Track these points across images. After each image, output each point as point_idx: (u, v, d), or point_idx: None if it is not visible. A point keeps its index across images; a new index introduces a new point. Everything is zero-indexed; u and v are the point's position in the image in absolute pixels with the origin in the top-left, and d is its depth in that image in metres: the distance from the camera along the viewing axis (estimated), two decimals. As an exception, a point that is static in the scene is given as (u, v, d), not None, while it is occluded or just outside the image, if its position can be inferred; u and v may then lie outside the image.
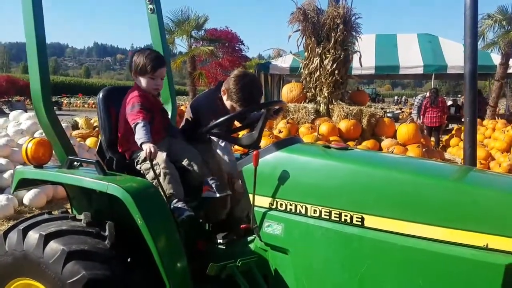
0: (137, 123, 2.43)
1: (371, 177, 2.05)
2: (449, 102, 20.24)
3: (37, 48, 2.44)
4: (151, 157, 2.32)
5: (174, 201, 2.40)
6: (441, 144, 11.97)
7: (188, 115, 2.95)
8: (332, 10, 8.31)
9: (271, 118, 2.70)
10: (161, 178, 2.42)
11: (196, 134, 2.65)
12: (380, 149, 7.71)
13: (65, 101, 37.21)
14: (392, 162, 2.37)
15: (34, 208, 5.64)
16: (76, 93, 39.79)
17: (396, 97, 61.02)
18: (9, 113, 8.10)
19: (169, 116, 3.19)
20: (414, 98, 22.52)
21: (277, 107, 2.67)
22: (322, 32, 8.45)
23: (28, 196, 5.73)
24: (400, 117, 23.48)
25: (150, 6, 3.21)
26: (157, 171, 2.42)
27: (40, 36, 2.45)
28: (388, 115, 22.38)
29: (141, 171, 2.56)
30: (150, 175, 2.47)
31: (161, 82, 2.69)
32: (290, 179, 2.15)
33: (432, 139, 11.44)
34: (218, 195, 2.52)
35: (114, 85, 3.17)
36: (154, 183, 2.41)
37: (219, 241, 2.56)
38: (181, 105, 21.47)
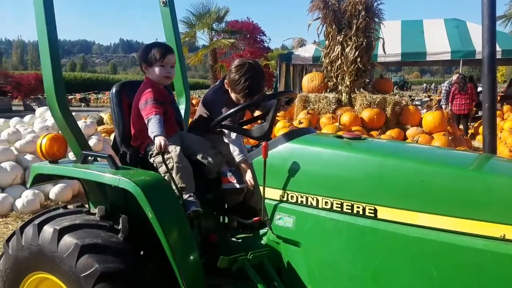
0: (151, 118, 2.45)
1: (384, 167, 1.99)
2: (479, 89, 19.64)
3: (49, 46, 2.46)
4: (161, 150, 2.32)
5: (185, 195, 2.40)
6: (470, 132, 11.62)
7: (200, 108, 2.94)
8: (353, -3, 8.14)
9: (282, 109, 2.66)
10: (173, 172, 2.42)
11: (207, 127, 2.63)
12: (405, 138, 7.54)
13: (92, 97, 38.04)
14: (404, 152, 2.29)
15: (60, 203, 5.77)
16: (103, 89, 40.56)
17: (425, 85, 59.64)
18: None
19: (183, 109, 3.20)
20: (441, 85, 21.96)
21: (287, 97, 2.62)
22: (343, 19, 8.28)
23: (54, 190, 5.88)
24: (429, 104, 22.92)
25: (163, -1, 3.20)
26: (170, 165, 2.42)
27: (51, 33, 2.47)
28: (416, 103, 21.90)
29: (154, 165, 2.57)
30: (162, 169, 2.48)
31: (172, 70, 2.67)
32: (301, 170, 2.11)
33: (461, 127, 11.12)
34: (239, 186, 2.52)
35: (128, 80, 3.18)
36: (166, 177, 2.42)
37: (235, 223, 2.57)
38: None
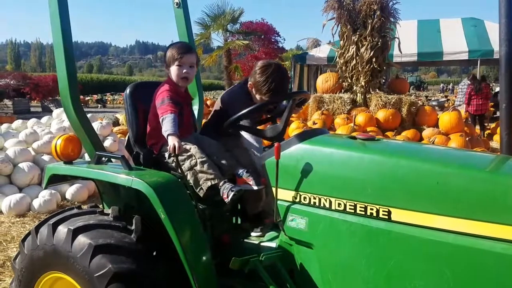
0: (165, 116, 2.42)
1: (398, 168, 1.95)
2: (497, 89, 19.29)
3: (64, 47, 2.49)
4: (175, 152, 2.31)
5: (221, 183, 2.40)
6: (487, 133, 11.43)
7: (215, 109, 2.94)
8: (369, -4, 8.06)
9: (294, 111, 2.63)
10: (198, 167, 2.41)
11: (221, 127, 2.62)
12: (421, 139, 7.44)
13: (109, 98, 38.50)
14: (420, 153, 2.25)
15: (76, 203, 5.85)
16: (120, 90, 41.03)
17: (442, 85, 58.80)
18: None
19: (197, 110, 3.20)
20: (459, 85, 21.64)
21: (300, 98, 2.60)
22: (358, 19, 8.21)
23: (70, 191, 5.95)
24: (446, 105, 22.62)
25: (176, 0, 3.21)
26: (193, 161, 2.42)
27: (66, 35, 2.50)
28: (433, 103, 21.61)
29: (174, 164, 2.49)
30: (186, 165, 2.45)
31: (191, 70, 2.62)
32: (314, 171, 2.09)
33: (477, 127, 10.95)
34: (256, 187, 2.50)
35: (142, 81, 3.21)
36: (189, 175, 2.42)
37: (254, 235, 2.54)
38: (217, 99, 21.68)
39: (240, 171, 2.54)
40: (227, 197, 2.36)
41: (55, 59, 2.54)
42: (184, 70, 2.59)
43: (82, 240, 2.16)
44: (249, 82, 2.68)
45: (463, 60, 16.63)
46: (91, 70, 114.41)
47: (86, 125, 2.62)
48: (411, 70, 53.09)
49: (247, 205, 2.68)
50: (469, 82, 12.06)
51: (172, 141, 2.32)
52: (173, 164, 2.50)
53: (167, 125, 2.38)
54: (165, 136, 2.38)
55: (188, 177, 2.43)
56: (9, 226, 5.03)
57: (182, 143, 2.36)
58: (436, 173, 1.87)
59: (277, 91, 2.57)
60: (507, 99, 2.15)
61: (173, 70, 2.59)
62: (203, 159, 2.43)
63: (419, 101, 8.58)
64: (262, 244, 2.44)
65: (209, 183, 2.39)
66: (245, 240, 2.51)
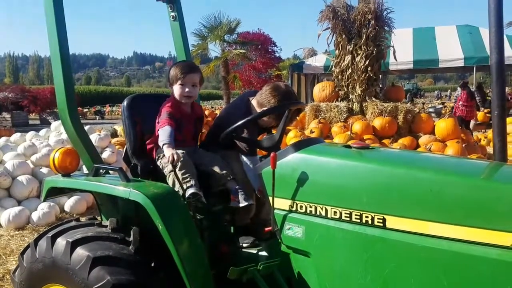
0: (162, 128, 2.52)
1: (392, 176, 1.98)
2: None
3: (61, 60, 2.51)
4: (172, 162, 2.35)
5: (187, 184, 2.43)
6: (482, 137, 11.53)
7: (213, 123, 2.98)
8: (363, 6, 8.13)
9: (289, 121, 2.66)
10: (177, 168, 2.44)
11: (218, 139, 2.65)
12: (418, 146, 7.47)
13: (107, 110, 38.58)
14: (413, 161, 2.28)
15: (75, 215, 5.85)
16: (118, 101, 41.14)
17: (437, 92, 59.06)
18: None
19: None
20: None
21: (295, 108, 2.64)
22: (353, 29, 8.29)
23: (68, 203, 5.96)
24: (443, 112, 22.73)
25: (172, 13, 3.26)
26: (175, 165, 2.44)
27: (64, 48, 2.53)
28: (430, 110, 21.70)
29: (160, 166, 2.61)
30: (168, 168, 2.51)
31: (193, 89, 2.68)
32: (309, 180, 2.12)
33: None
34: (240, 205, 2.55)
35: (140, 93, 3.23)
36: (171, 177, 2.47)
37: (243, 245, 2.56)
38: (217, 109, 21.83)
39: (233, 188, 2.58)
40: (184, 198, 2.40)
41: (53, 72, 2.57)
42: (187, 89, 2.65)
43: (81, 252, 2.17)
44: (256, 100, 2.70)
45: (459, 67, 16.76)
46: (89, 82, 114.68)
47: (84, 137, 2.64)
48: (407, 78, 53.33)
49: (236, 217, 2.70)
50: (460, 89, 12.40)
51: (167, 151, 2.41)
52: (161, 166, 2.59)
53: (162, 136, 2.49)
54: (160, 145, 2.47)
55: (169, 180, 2.51)
56: (8, 239, 5.03)
57: (176, 151, 2.40)
58: (429, 180, 1.89)
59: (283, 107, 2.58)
60: (499, 106, 2.19)
61: (176, 88, 2.67)
62: (182, 161, 2.46)
63: (415, 109, 8.62)
64: (259, 253, 2.46)
65: (184, 186, 2.43)
66: (243, 250, 2.52)
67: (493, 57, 2.20)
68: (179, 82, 2.64)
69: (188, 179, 2.45)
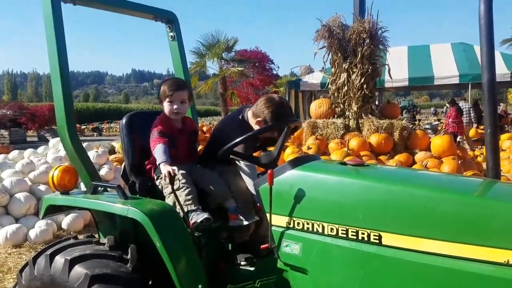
0: (155, 148, 2.57)
1: (387, 193, 2.01)
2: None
3: (61, 78, 2.55)
4: (171, 179, 2.38)
5: (192, 209, 2.45)
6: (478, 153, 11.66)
7: (210, 138, 3.02)
8: (358, 25, 8.24)
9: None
10: (179, 191, 2.48)
11: (216, 155, 2.68)
12: (414, 162, 7.50)
13: (105, 127, 38.61)
14: (408, 178, 2.31)
15: (72, 232, 5.83)
16: (116, 118, 41.31)
17: (432, 108, 59.45)
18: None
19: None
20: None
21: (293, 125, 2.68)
22: (348, 47, 8.40)
23: (66, 220, 5.94)
24: (439, 128, 22.86)
25: (171, 33, 3.32)
26: (176, 185, 2.48)
27: (63, 66, 2.56)
28: (426, 126, 21.82)
29: (160, 187, 2.63)
30: (168, 189, 2.54)
31: (182, 106, 2.73)
32: (306, 197, 2.14)
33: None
34: (245, 223, 2.57)
35: (138, 110, 3.28)
36: (171, 198, 2.48)
37: (242, 262, 2.56)
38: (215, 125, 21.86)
39: (232, 207, 2.60)
40: (192, 224, 2.41)
41: (53, 90, 2.60)
42: (175, 106, 2.70)
43: (79, 270, 2.18)
44: (251, 113, 2.75)
45: (454, 84, 16.91)
46: (87, 99, 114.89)
47: (82, 155, 2.66)
48: (403, 94, 53.76)
49: (235, 234, 2.72)
50: (448, 105, 12.89)
51: (163, 168, 2.44)
52: (160, 187, 2.62)
53: (157, 155, 2.54)
54: (158, 164, 2.52)
55: (168, 200, 2.53)
56: (6, 256, 5.01)
57: (173, 167, 2.43)
58: (424, 197, 1.93)
59: (282, 123, 2.63)
60: (492, 125, 2.23)
61: (165, 105, 2.72)
62: (185, 185, 2.50)
63: (411, 125, 8.69)
64: (257, 270, 2.47)
65: (185, 208, 2.45)
66: (241, 267, 2.53)
67: (484, 76, 2.25)
68: (167, 99, 2.70)
69: (190, 202, 2.47)
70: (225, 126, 2.94)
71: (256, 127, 2.70)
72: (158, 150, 2.55)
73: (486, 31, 2.26)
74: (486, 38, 2.26)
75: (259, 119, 2.68)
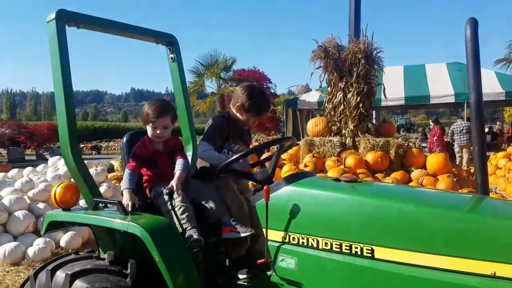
0: (125, 171, 2.74)
1: (379, 208, 2.09)
2: (486, 130, 19.81)
3: (65, 97, 2.59)
4: (128, 209, 2.50)
5: (188, 229, 2.51)
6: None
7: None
8: (353, 46, 8.43)
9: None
10: (176, 209, 2.55)
11: (213, 171, 2.75)
12: (410, 180, 7.57)
13: (104, 145, 38.64)
14: (399, 194, 2.39)
15: (70, 250, 5.84)
16: (114, 137, 41.43)
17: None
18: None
19: (190, 155, 3.33)
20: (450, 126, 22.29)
21: (288, 143, 2.77)
22: (344, 67, 8.55)
23: (64, 238, 5.95)
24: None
25: (171, 55, 3.42)
26: (173, 204, 2.56)
27: (67, 85, 2.61)
28: (423, 145, 21.94)
29: (157, 206, 2.69)
30: (164, 208, 2.61)
31: (165, 131, 2.75)
32: (301, 212, 2.21)
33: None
34: (242, 235, 2.61)
35: (138, 129, 3.35)
36: (169, 216, 2.56)
37: (240, 276, 2.61)
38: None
39: (227, 220, 2.66)
40: (183, 236, 2.49)
41: (56, 108, 2.64)
42: (158, 132, 2.75)
43: (79, 284, 2.23)
44: (232, 104, 2.95)
45: (450, 103, 17.10)
46: (86, 118, 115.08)
47: (84, 172, 2.72)
48: (400, 113, 54.13)
49: (232, 249, 2.77)
50: (432, 124, 13.38)
51: (124, 196, 2.60)
52: (157, 206, 2.69)
53: (123, 180, 2.71)
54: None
55: (166, 217, 2.57)
56: (4, 274, 5.01)
57: (132, 201, 2.57)
58: (413, 212, 2.00)
59: (261, 108, 2.93)
60: (479, 144, 2.32)
61: (148, 129, 2.78)
62: (182, 204, 2.56)
63: (406, 143, 8.78)
64: (254, 285, 2.51)
65: (183, 226, 2.52)
66: (238, 282, 2.58)
67: (472, 97, 2.34)
68: (150, 124, 2.74)
69: (185, 220, 2.53)
70: (210, 127, 3.08)
71: (236, 114, 2.96)
72: (125, 175, 2.70)
73: (472, 53, 2.36)
74: (472, 60, 2.36)
75: (238, 104, 2.93)
